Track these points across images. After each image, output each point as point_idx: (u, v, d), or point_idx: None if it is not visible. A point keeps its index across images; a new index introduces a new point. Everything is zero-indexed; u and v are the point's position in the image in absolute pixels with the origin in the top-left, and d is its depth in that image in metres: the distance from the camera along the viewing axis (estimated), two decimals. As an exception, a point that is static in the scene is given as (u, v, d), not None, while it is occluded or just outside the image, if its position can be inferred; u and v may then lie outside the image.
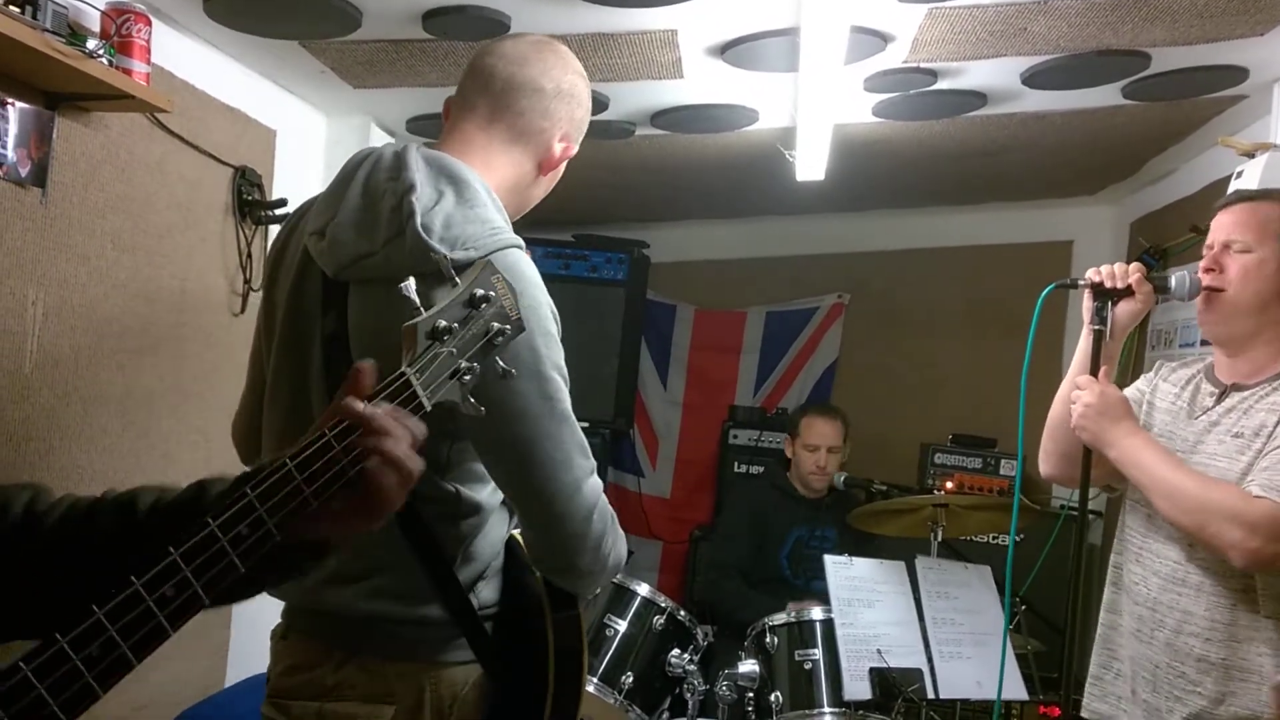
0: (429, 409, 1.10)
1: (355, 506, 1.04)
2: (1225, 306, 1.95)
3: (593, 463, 1.48)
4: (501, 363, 1.22)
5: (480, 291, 1.17)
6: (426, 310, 1.13)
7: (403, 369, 1.09)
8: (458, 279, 1.17)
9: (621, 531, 1.56)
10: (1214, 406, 1.97)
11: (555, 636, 1.57)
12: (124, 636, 0.87)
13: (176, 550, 0.91)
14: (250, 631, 2.92)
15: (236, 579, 0.95)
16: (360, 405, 1.01)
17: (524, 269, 1.45)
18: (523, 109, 1.59)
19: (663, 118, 3.24)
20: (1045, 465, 2.18)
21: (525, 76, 1.60)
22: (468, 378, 1.16)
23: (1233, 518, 1.77)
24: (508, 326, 1.21)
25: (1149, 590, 2.00)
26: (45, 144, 2.16)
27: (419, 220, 1.40)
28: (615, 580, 3.11)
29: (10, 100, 2.05)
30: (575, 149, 1.69)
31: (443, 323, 1.12)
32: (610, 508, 1.51)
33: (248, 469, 1.10)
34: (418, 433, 1.06)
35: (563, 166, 1.71)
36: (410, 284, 1.13)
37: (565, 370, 1.46)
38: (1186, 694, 1.90)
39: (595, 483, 1.48)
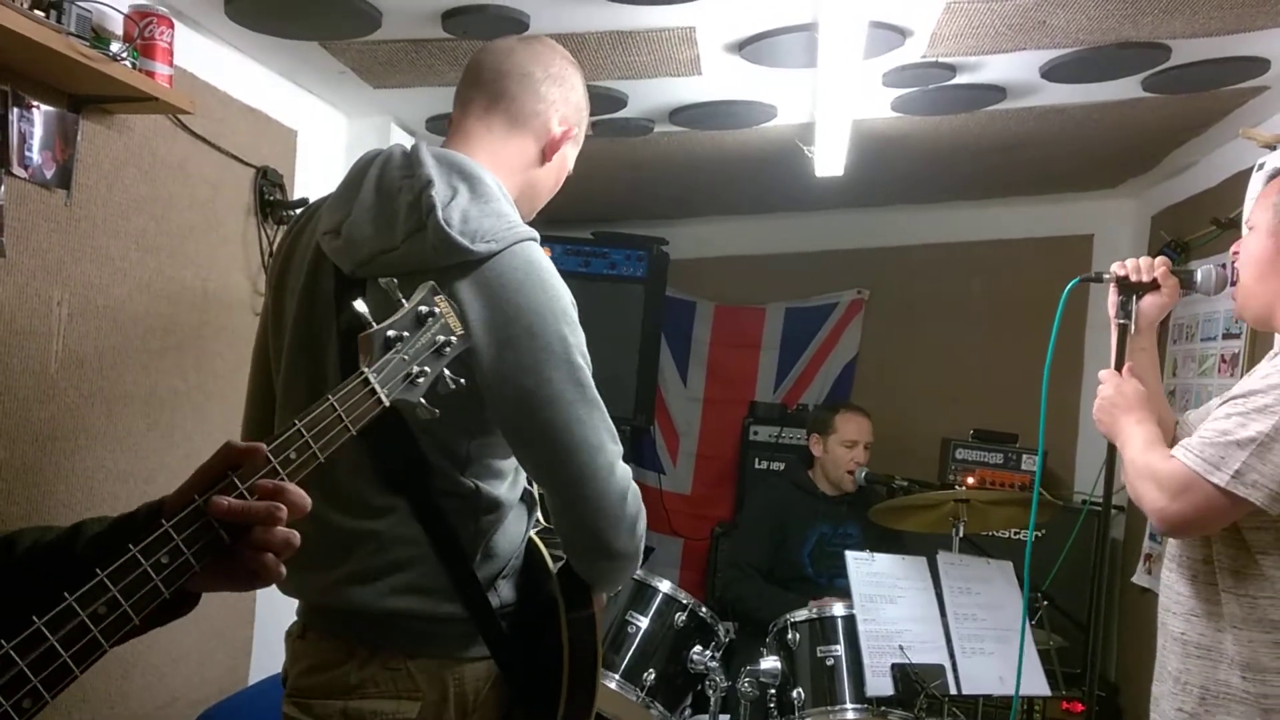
0: (387, 404, 1.19)
1: (234, 574, 1.05)
2: (1239, 290, 1.94)
3: (621, 447, 1.50)
4: (449, 373, 1.29)
5: (425, 309, 1.27)
6: (378, 324, 1.21)
7: (361, 369, 1.18)
8: (404, 301, 1.26)
9: None
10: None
11: (570, 635, 1.58)
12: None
13: (71, 596, 0.92)
14: (272, 630, 2.94)
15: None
16: (226, 503, 1.01)
17: (541, 261, 1.47)
18: (515, 94, 1.61)
19: (681, 114, 3.24)
20: None
21: (512, 63, 1.62)
22: (421, 381, 1.25)
23: (1148, 477, 1.79)
24: (454, 338, 1.30)
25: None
26: (70, 146, 2.18)
27: (440, 214, 1.41)
28: (637, 577, 3.11)
29: (35, 103, 2.08)
30: (578, 134, 1.70)
31: (393, 333, 1.22)
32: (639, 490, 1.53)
33: (125, 514, 1.11)
34: (299, 505, 1.05)
35: (569, 156, 1.71)
36: (360, 303, 1.21)
37: (589, 356, 1.48)
38: (1163, 673, 1.90)
39: (625, 467, 1.50)
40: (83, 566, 0.95)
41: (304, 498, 1.06)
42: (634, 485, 1.51)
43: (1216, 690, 1.78)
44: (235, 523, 1.01)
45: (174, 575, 0.98)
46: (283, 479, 1.05)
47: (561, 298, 1.46)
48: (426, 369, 1.25)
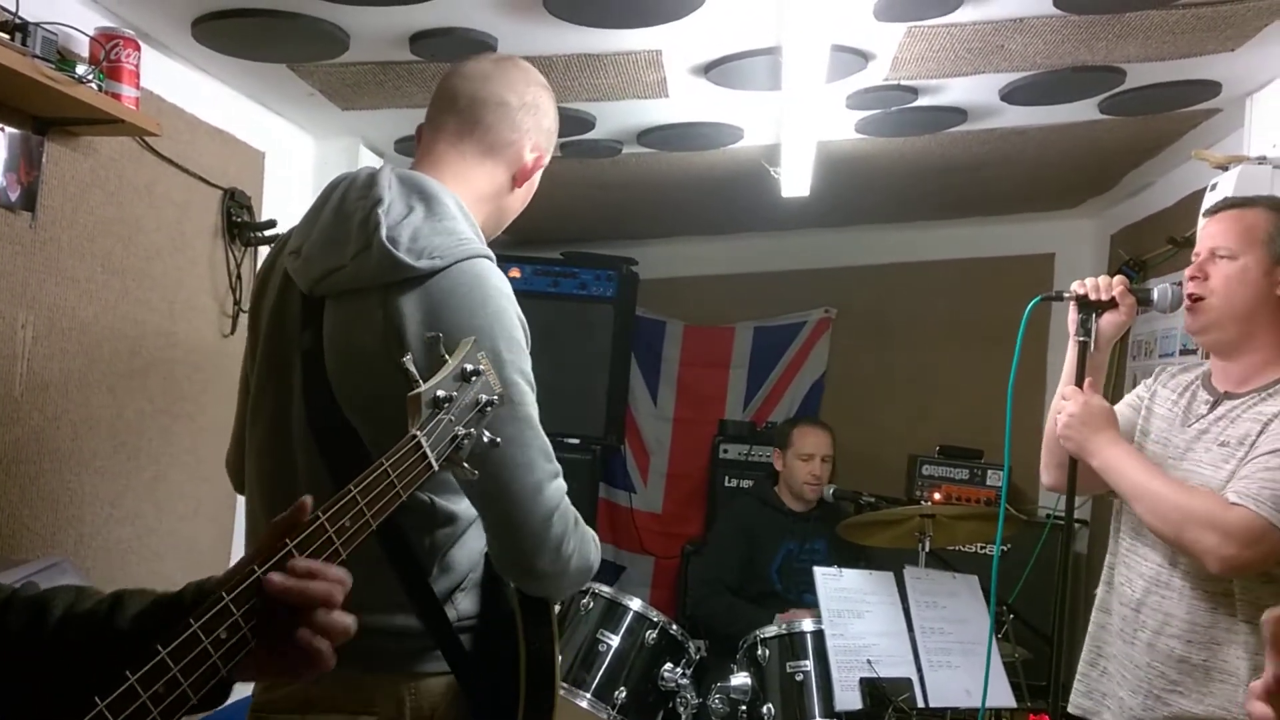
0: (437, 469, 1.19)
1: (284, 660, 1.01)
2: (1209, 314, 1.97)
3: (557, 467, 1.50)
4: (488, 433, 1.29)
5: (470, 366, 1.27)
6: (425, 382, 1.20)
7: (413, 432, 1.17)
8: (448, 356, 1.26)
9: (592, 535, 1.57)
10: (1207, 414, 2.00)
11: (527, 647, 1.59)
12: None
13: (133, 676, 0.89)
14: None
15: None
16: (280, 581, 0.97)
17: (490, 278, 1.48)
18: (490, 123, 1.63)
19: (649, 136, 3.27)
20: (1046, 475, 2.22)
21: (489, 92, 1.64)
22: (466, 442, 1.24)
23: (1209, 524, 1.81)
24: (495, 398, 1.31)
25: (1133, 592, 2.04)
26: (35, 168, 2.18)
27: (384, 232, 1.43)
28: (607, 596, 3.12)
29: (0, 125, 2.07)
30: (548, 158, 1.72)
31: (441, 393, 1.20)
32: (574, 511, 1.52)
33: (170, 593, 1.09)
34: (346, 583, 1.03)
35: (537, 178, 1.73)
36: (409, 359, 1.20)
37: (531, 377, 1.48)
38: (1166, 693, 1.94)
39: (558, 486, 1.49)
40: (127, 645, 0.91)
41: (347, 577, 1.04)
42: (566, 504, 1.50)
43: (1238, 714, 1.85)
44: (289, 604, 0.97)
45: (231, 651, 0.94)
46: (338, 548, 1.04)
47: (504, 315, 1.46)
48: (472, 430, 1.25)
